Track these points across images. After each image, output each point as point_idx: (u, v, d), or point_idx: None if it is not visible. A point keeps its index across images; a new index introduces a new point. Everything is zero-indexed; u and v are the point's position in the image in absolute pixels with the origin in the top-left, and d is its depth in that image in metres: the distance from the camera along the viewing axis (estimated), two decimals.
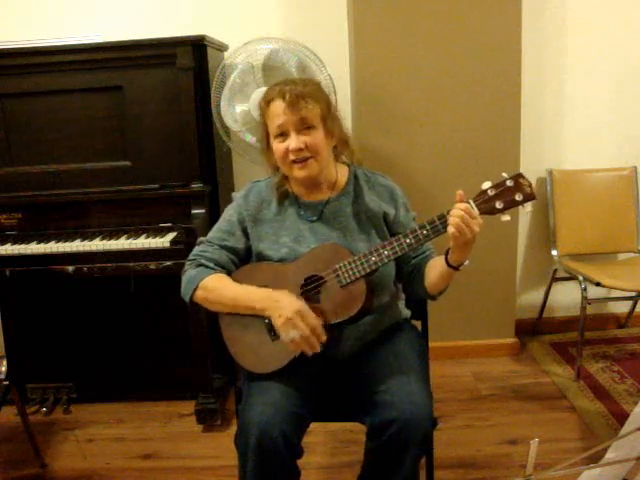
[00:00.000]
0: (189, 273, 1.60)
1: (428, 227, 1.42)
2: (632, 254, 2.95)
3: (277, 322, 1.46)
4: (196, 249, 1.66)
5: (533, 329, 3.14)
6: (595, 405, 2.45)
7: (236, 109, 2.42)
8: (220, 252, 1.63)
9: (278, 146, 1.55)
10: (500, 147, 2.68)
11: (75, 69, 2.39)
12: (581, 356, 2.69)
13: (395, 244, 1.45)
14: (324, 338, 1.46)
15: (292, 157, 1.53)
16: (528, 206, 1.37)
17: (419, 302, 1.81)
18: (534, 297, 3.15)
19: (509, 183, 1.36)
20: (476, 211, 1.36)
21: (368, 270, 1.46)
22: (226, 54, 2.66)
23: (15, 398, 2.11)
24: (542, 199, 2.98)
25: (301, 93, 1.52)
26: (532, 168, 2.92)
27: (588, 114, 2.94)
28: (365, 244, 1.59)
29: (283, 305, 1.46)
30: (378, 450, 1.46)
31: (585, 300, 2.62)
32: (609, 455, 1.23)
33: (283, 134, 1.54)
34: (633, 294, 2.79)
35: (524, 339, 3.04)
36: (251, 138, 2.45)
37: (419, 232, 1.43)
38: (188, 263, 1.63)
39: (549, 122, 2.95)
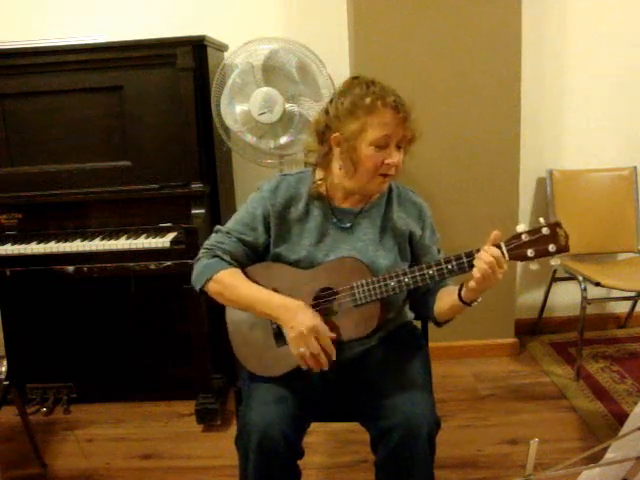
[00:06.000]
0: (203, 262, 1.57)
1: (454, 263, 1.39)
2: (632, 254, 2.95)
3: (289, 334, 1.44)
4: (213, 237, 1.61)
5: (533, 329, 3.14)
6: (595, 405, 2.45)
7: (236, 109, 2.42)
8: (237, 245, 1.59)
9: (373, 154, 1.47)
10: (500, 147, 2.68)
11: (75, 69, 2.39)
12: (581, 356, 2.69)
13: (417, 274, 1.42)
14: (334, 357, 1.44)
15: (385, 171, 1.49)
16: (557, 259, 1.32)
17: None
18: (534, 297, 3.15)
19: (545, 231, 1.31)
20: (507, 256, 1.33)
21: (385, 295, 1.44)
22: (226, 54, 2.66)
23: (15, 398, 2.11)
24: (542, 199, 2.98)
25: (410, 112, 1.48)
26: (532, 168, 2.94)
27: (588, 114, 2.94)
28: (386, 260, 1.56)
29: (298, 319, 1.43)
30: (387, 460, 1.44)
31: (585, 300, 2.62)
32: (609, 455, 1.23)
33: (383, 145, 1.47)
34: (633, 294, 2.79)
35: (524, 339, 3.04)
36: (251, 138, 2.45)
37: (444, 266, 1.40)
38: (203, 251, 1.59)
39: (549, 122, 2.95)
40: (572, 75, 2.91)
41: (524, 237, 1.32)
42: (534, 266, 1.34)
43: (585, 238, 2.89)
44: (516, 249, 1.33)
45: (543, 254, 1.32)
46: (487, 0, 2.53)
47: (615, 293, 2.82)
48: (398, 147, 1.50)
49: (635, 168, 2.92)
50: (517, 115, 2.66)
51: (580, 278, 2.65)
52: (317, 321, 1.43)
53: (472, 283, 1.37)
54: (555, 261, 1.33)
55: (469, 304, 1.45)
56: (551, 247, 1.31)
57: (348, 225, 1.59)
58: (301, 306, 1.46)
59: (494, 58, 2.59)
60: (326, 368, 1.45)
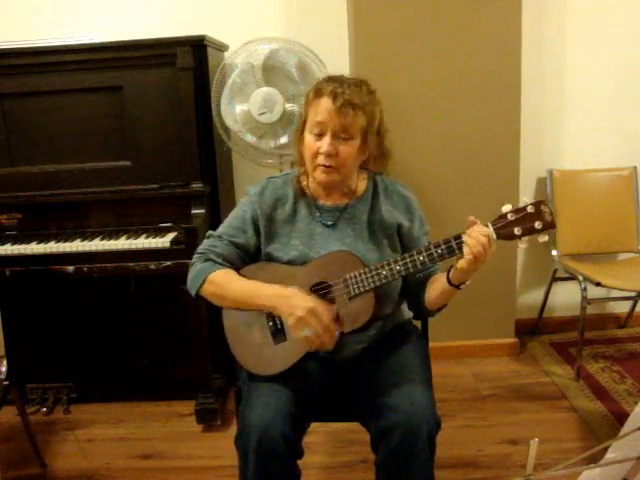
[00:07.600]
0: (196, 267, 1.58)
1: (443, 247, 1.40)
2: (632, 254, 2.95)
3: (288, 321, 1.45)
4: (205, 242, 1.64)
5: (533, 329, 3.14)
6: (595, 405, 2.45)
7: (236, 109, 2.42)
8: (229, 248, 1.61)
9: (311, 141, 1.52)
10: (500, 147, 2.68)
11: (75, 69, 2.39)
12: (581, 356, 2.69)
13: (408, 260, 1.43)
14: (337, 334, 1.45)
15: (320, 160, 1.51)
16: (545, 235, 1.34)
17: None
18: (534, 297, 3.15)
19: (530, 209, 1.34)
20: (494, 235, 1.35)
21: (378, 284, 1.45)
22: (226, 54, 2.66)
23: (15, 398, 2.11)
24: (542, 199, 2.98)
25: (352, 101, 1.47)
26: (532, 168, 2.93)
27: (588, 114, 2.94)
28: (375, 254, 1.57)
29: (295, 303, 1.44)
30: (387, 460, 1.44)
31: (585, 300, 2.62)
32: (609, 455, 1.23)
33: (320, 132, 1.51)
34: (633, 294, 2.79)
35: (524, 339, 3.04)
36: (251, 138, 2.45)
37: (433, 251, 1.40)
38: (197, 256, 1.61)
39: (549, 122, 2.95)
40: (572, 75, 2.91)
41: (510, 216, 1.35)
42: (523, 244, 1.36)
43: (585, 238, 2.89)
44: (503, 228, 1.35)
45: (530, 231, 1.34)
46: (487, 0, 2.53)
47: (615, 293, 2.82)
48: (343, 138, 1.50)
49: (635, 168, 2.92)
50: (517, 115, 2.66)
51: (580, 278, 2.65)
52: (313, 302, 1.43)
53: (462, 262, 1.37)
54: (542, 238, 1.35)
55: (458, 287, 1.45)
56: (537, 224, 1.34)
57: (335, 222, 1.61)
58: (294, 291, 1.47)
59: (494, 58, 2.59)
60: (331, 347, 1.45)
